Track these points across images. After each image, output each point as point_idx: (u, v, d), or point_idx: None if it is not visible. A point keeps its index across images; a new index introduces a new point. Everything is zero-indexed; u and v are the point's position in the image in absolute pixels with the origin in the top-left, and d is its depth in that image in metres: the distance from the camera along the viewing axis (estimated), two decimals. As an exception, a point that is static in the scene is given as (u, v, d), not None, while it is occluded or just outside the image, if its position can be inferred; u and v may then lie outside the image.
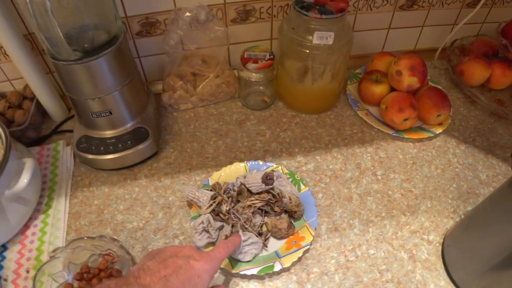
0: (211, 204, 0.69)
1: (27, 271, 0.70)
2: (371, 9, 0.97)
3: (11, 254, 0.73)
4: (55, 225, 0.76)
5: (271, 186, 0.71)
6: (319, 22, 0.77)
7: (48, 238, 0.75)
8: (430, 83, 0.97)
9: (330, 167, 0.83)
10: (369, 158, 0.85)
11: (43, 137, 0.90)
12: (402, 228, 0.74)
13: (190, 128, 0.90)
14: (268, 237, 0.71)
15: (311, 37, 0.78)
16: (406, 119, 0.86)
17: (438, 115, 0.87)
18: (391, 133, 0.87)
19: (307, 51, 0.80)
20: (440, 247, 0.71)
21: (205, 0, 0.86)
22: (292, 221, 0.72)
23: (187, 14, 0.84)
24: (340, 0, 0.79)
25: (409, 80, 0.87)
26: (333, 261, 0.69)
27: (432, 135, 0.88)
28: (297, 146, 0.86)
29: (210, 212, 0.69)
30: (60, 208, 0.78)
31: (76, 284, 0.65)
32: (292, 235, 0.71)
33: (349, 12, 0.96)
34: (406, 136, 0.87)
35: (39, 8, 0.62)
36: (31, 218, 0.77)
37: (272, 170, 0.76)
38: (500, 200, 0.60)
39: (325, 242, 0.71)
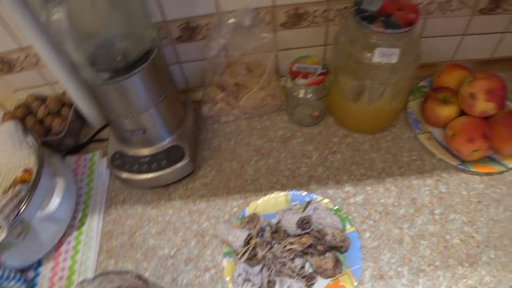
0: (246, 251, 0.63)
1: (58, 293, 0.70)
2: (445, 13, 0.83)
3: (45, 271, 0.73)
4: (88, 244, 0.75)
5: (308, 230, 0.64)
6: (382, 37, 0.66)
7: (80, 257, 0.73)
8: (508, 103, 0.84)
9: (382, 201, 0.74)
10: (427, 192, 0.75)
11: (81, 144, 0.88)
12: (458, 282, 0.65)
13: (231, 144, 0.84)
14: (314, 281, 0.65)
15: (370, 54, 0.67)
16: (475, 150, 0.74)
17: (514, 147, 0.75)
18: (455, 164, 0.77)
19: (366, 69, 0.70)
20: (501, 309, 0.62)
21: (251, 2, 0.77)
22: (339, 257, 0.66)
23: (231, 20, 0.75)
24: (410, 9, 0.67)
25: (484, 106, 0.74)
26: (375, 316, 0.62)
27: (504, 169, 0.76)
28: (346, 172, 0.78)
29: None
30: (93, 225, 0.77)
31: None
32: (340, 273, 0.65)
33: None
34: (473, 169, 0.76)
35: (57, 29, 0.57)
36: (65, 235, 0.76)
37: (309, 202, 0.69)
38: None
39: (368, 293, 0.65)
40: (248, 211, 0.71)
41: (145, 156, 0.76)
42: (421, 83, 0.89)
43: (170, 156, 0.75)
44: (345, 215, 0.70)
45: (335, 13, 0.81)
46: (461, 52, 0.92)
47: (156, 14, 0.78)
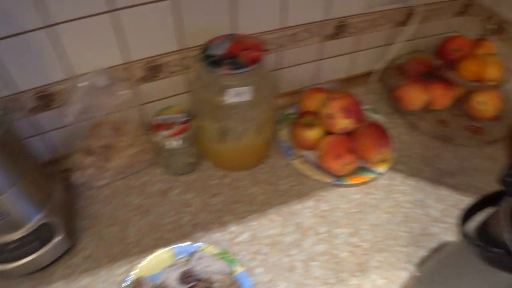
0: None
1: None
2: (297, 44, 0.88)
3: None
4: None
5: (193, 284, 0.63)
6: (232, 78, 0.68)
7: None
8: (369, 113, 0.90)
9: (268, 233, 0.75)
10: (310, 214, 0.77)
11: None
12: (354, 293, 0.67)
13: (109, 207, 0.80)
14: None
15: (224, 96, 0.69)
16: (345, 165, 0.79)
17: (379, 154, 0.80)
18: (331, 181, 0.80)
19: (224, 111, 0.71)
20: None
21: (104, 62, 0.76)
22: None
23: (83, 83, 0.74)
24: (254, 48, 0.71)
25: (343, 123, 0.79)
26: None
27: (375, 175, 0.81)
28: (229, 213, 0.78)
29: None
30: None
31: None
32: None
33: (272, 50, 0.87)
34: (348, 182, 0.80)
35: None
36: None
37: (192, 253, 0.68)
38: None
39: (268, 331, 0.64)
40: (134, 276, 0.68)
41: (13, 242, 0.69)
42: (289, 111, 0.93)
43: (42, 235, 0.70)
44: (232, 257, 0.69)
45: (190, 60, 0.82)
46: (323, 74, 0.99)
47: (5, 87, 0.73)
